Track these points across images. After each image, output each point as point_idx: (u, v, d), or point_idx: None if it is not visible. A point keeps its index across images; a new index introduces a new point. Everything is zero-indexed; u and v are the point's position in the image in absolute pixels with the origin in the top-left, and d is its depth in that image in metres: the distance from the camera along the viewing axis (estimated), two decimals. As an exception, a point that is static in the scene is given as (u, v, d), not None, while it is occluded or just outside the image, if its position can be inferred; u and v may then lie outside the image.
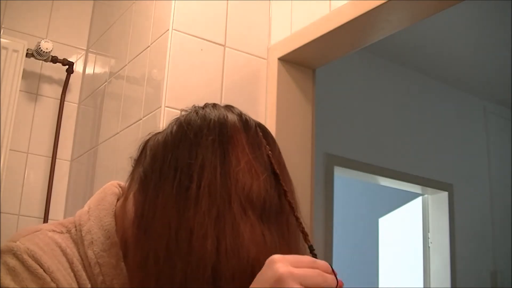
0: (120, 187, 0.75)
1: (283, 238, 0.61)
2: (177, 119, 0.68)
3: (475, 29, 2.97)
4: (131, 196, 0.67)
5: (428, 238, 3.42)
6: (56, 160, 2.02)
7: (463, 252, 3.36)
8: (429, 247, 3.40)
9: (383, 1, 1.31)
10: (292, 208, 0.64)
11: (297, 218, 0.63)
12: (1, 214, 1.83)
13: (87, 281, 0.64)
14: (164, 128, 0.69)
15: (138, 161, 0.69)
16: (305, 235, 0.63)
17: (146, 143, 0.69)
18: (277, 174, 0.65)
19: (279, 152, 0.69)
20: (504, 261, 3.50)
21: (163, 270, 0.58)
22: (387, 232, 3.70)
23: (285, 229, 0.62)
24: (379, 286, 3.56)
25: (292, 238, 0.63)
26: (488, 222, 3.58)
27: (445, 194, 3.42)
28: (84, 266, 0.64)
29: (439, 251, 3.35)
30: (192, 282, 0.57)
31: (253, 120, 0.70)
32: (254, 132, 0.67)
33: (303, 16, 1.60)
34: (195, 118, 0.66)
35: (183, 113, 0.69)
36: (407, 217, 3.54)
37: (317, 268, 0.54)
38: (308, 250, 0.61)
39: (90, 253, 0.65)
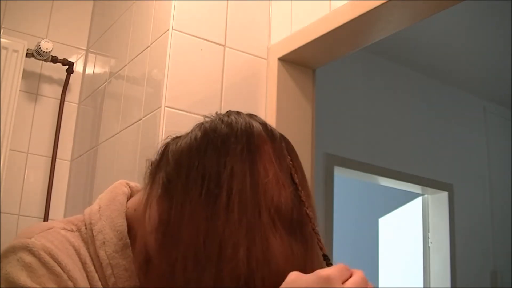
0: (129, 186, 0.74)
1: (307, 250, 0.61)
2: (201, 125, 0.67)
3: (475, 29, 2.97)
4: (154, 201, 0.64)
5: (428, 238, 3.42)
6: (56, 160, 2.02)
7: (463, 252, 3.36)
8: (429, 247, 3.40)
9: (383, 1, 1.31)
10: (312, 221, 0.64)
11: (315, 231, 0.63)
12: (1, 214, 1.83)
13: (99, 283, 0.63)
14: (186, 133, 0.67)
15: (158, 166, 0.67)
16: (321, 245, 0.63)
17: (166, 147, 0.67)
18: (300, 188, 0.64)
19: (301, 166, 0.68)
20: (504, 261, 3.50)
21: (191, 278, 0.57)
22: (387, 232, 3.70)
23: (309, 241, 0.62)
24: (379, 286, 3.56)
25: (315, 250, 0.63)
26: (488, 222, 3.58)
27: (445, 194, 3.43)
28: (95, 267, 0.64)
29: (439, 251, 3.35)
30: None
31: (277, 131, 0.69)
32: (279, 144, 0.66)
33: (303, 16, 1.60)
34: (221, 126, 0.65)
35: (206, 119, 0.68)
36: (407, 217, 3.54)
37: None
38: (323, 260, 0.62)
39: (102, 253, 0.64)
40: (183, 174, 0.62)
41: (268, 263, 0.57)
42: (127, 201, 0.72)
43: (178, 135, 0.68)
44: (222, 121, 0.66)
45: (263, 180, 0.61)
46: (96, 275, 0.63)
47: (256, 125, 0.66)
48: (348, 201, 3.93)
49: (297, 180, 0.64)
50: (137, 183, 0.76)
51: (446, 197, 3.42)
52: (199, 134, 0.65)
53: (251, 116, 0.69)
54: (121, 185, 0.73)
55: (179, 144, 0.66)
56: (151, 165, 0.68)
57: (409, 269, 3.43)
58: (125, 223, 0.67)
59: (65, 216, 2.01)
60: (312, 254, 0.62)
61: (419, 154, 3.35)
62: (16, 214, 1.93)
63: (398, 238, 3.58)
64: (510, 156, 3.74)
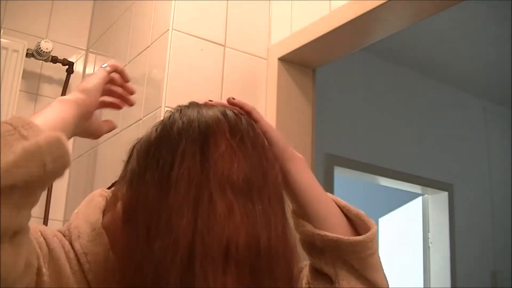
0: (107, 192, 0.78)
1: (264, 215, 0.63)
2: (162, 120, 0.71)
3: (475, 29, 2.97)
4: (120, 198, 0.69)
5: (428, 238, 3.42)
6: (56, 160, 2.02)
7: (463, 252, 3.36)
8: (429, 247, 3.40)
9: (383, 1, 1.31)
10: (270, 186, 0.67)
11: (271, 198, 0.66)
12: (1, 214, 1.83)
13: (78, 272, 0.67)
14: (148, 131, 0.72)
15: (126, 164, 0.72)
16: None
17: (133, 147, 0.72)
18: (258, 155, 0.68)
19: (260, 136, 0.72)
20: (504, 261, 3.50)
21: (143, 252, 0.60)
22: (387, 232, 3.70)
23: (268, 206, 0.65)
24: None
25: (274, 215, 0.65)
26: (488, 222, 3.58)
27: (445, 194, 3.43)
28: (76, 259, 0.68)
29: (439, 251, 3.36)
30: (169, 263, 0.59)
31: (233, 112, 0.72)
32: (234, 120, 0.69)
33: (303, 16, 1.60)
34: (178, 118, 0.69)
35: (167, 114, 0.72)
36: (407, 217, 3.54)
37: None
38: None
39: (77, 245, 0.68)
40: (142, 162, 0.67)
41: (213, 230, 0.59)
42: (106, 202, 0.76)
43: (144, 135, 0.73)
44: (180, 112, 0.70)
45: (214, 154, 0.64)
46: (76, 263, 0.67)
47: (215, 112, 0.69)
48: (348, 201, 3.90)
49: (254, 149, 0.68)
50: None
51: (446, 197, 3.42)
52: (159, 128, 0.69)
53: (210, 106, 0.72)
54: (99, 190, 0.78)
55: (142, 140, 0.71)
56: (123, 165, 0.73)
57: (409, 269, 3.43)
58: (98, 215, 0.72)
59: (65, 216, 2.01)
60: (270, 219, 0.64)
61: (419, 154, 3.35)
62: (16, 214, 1.92)
63: (398, 238, 3.58)
64: (510, 156, 3.74)
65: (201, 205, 0.61)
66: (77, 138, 2.06)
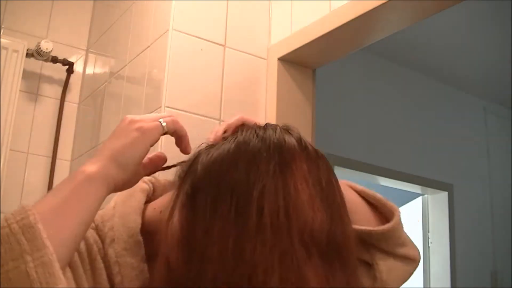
0: (151, 182, 0.72)
1: (345, 278, 0.58)
2: (235, 137, 0.64)
3: (475, 29, 2.97)
4: (177, 210, 0.61)
5: (428, 238, 3.42)
6: (56, 160, 2.02)
7: (463, 252, 3.36)
8: (429, 247, 3.40)
9: (383, 1, 1.31)
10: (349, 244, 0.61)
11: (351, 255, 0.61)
12: (1, 214, 1.83)
13: (106, 281, 0.63)
14: (220, 143, 0.65)
15: (187, 173, 0.63)
16: None
17: (198, 155, 0.65)
18: (338, 207, 0.61)
19: (338, 186, 0.64)
20: (504, 261, 3.50)
21: None
22: (387, 232, 3.69)
23: (348, 267, 0.59)
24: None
25: (353, 276, 0.61)
26: (488, 222, 3.58)
27: (445, 194, 3.43)
28: (105, 265, 0.63)
29: (439, 251, 3.36)
30: None
31: (312, 146, 0.66)
32: (315, 161, 0.63)
33: (303, 16, 1.60)
34: (254, 139, 0.62)
35: (241, 132, 0.66)
36: (407, 217, 3.54)
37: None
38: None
39: (110, 251, 0.63)
40: (212, 187, 0.59)
41: None
42: (148, 196, 0.70)
43: (212, 144, 0.66)
44: (256, 134, 0.63)
45: (296, 201, 0.57)
46: (104, 273, 0.62)
47: (289, 140, 0.63)
48: (348, 201, 3.92)
49: (335, 201, 0.61)
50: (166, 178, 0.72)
51: (446, 197, 3.42)
52: (232, 146, 0.62)
53: (287, 130, 0.66)
54: (140, 181, 0.70)
55: (210, 154, 0.63)
56: (182, 170, 0.65)
57: (409, 269, 3.42)
58: (138, 220, 0.66)
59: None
60: (351, 281, 0.59)
61: (419, 154, 3.35)
62: (16, 214, 1.92)
63: (398, 238, 3.58)
64: (510, 156, 3.74)
65: (289, 264, 0.54)
66: (77, 136, 2.07)
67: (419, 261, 0.83)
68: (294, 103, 1.65)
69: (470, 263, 3.38)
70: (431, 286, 3.31)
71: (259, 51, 1.69)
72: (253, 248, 0.54)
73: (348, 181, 0.82)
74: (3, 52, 1.88)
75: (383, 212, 0.80)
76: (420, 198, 3.50)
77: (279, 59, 1.65)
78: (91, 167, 0.59)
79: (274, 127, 0.66)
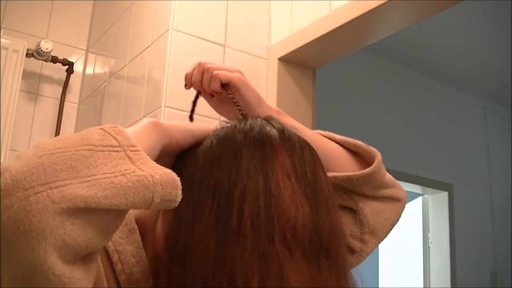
0: None
1: (334, 275, 0.57)
2: (217, 132, 0.62)
3: (475, 29, 2.97)
4: (161, 212, 0.61)
5: (428, 238, 3.41)
6: (56, 160, 2.02)
7: (463, 252, 3.35)
8: (429, 247, 3.40)
9: (383, 1, 1.31)
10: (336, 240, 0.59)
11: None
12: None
13: (105, 271, 0.61)
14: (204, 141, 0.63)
15: (176, 169, 0.64)
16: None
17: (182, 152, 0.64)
18: (325, 200, 0.59)
19: (326, 178, 0.63)
20: (504, 261, 3.50)
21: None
22: (387, 232, 3.69)
23: (337, 264, 0.58)
24: (379, 286, 3.56)
25: (344, 273, 0.59)
26: (488, 222, 3.58)
27: (445, 194, 3.42)
28: (101, 255, 0.61)
29: (439, 251, 3.35)
30: None
31: (296, 136, 0.63)
32: (299, 153, 0.61)
33: (303, 16, 1.60)
34: (235, 133, 0.61)
35: (222, 124, 0.64)
36: (407, 217, 3.54)
37: None
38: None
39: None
40: (194, 188, 0.57)
41: None
42: None
43: (199, 142, 0.64)
44: (237, 128, 0.62)
45: (277, 200, 0.55)
46: (101, 265, 0.61)
47: (271, 132, 0.61)
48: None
49: (321, 193, 0.59)
50: None
51: (446, 197, 3.42)
52: (214, 142, 0.61)
53: (268, 120, 0.64)
54: None
55: (192, 152, 0.62)
56: None
57: (409, 269, 3.43)
58: (131, 211, 0.64)
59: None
60: (340, 279, 0.58)
61: (419, 154, 3.35)
62: (16, 214, 1.92)
63: (398, 238, 3.58)
64: (510, 156, 3.74)
65: (269, 265, 0.53)
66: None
67: (405, 201, 0.85)
68: (294, 103, 1.65)
69: (470, 263, 3.38)
70: (431, 286, 3.31)
71: (259, 51, 1.69)
72: (234, 251, 0.53)
73: (323, 131, 0.83)
74: (3, 52, 1.88)
75: (365, 157, 0.81)
76: (420, 198, 3.50)
77: (279, 59, 1.65)
78: (159, 121, 0.61)
79: (255, 118, 0.64)
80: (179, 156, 0.64)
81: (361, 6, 1.37)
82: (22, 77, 1.92)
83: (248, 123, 0.62)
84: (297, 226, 0.55)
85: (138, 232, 0.64)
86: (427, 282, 3.33)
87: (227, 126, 0.63)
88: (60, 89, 2.08)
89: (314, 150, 0.64)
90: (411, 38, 2.98)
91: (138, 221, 0.66)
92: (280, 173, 0.57)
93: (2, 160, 1.79)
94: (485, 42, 3.06)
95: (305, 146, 0.63)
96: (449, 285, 3.25)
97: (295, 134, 0.64)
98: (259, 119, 0.64)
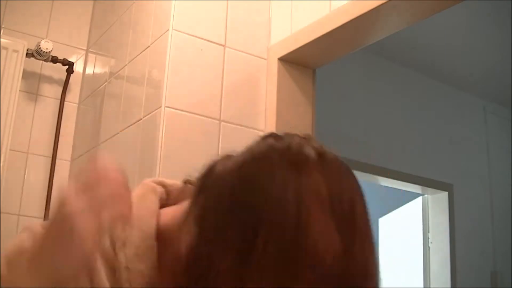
0: (162, 185, 0.67)
1: None
2: (251, 148, 0.58)
3: (475, 29, 2.97)
4: (187, 226, 0.57)
5: (428, 238, 3.41)
6: (56, 160, 2.02)
7: (463, 252, 3.35)
8: (429, 247, 3.40)
9: (383, 1, 1.31)
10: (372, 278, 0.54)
11: None
12: (1, 214, 1.83)
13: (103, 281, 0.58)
14: (238, 153, 0.58)
15: (201, 186, 0.58)
16: None
17: (214, 165, 0.59)
18: (360, 235, 0.54)
19: (362, 204, 0.57)
20: (504, 261, 3.50)
21: None
22: (387, 232, 3.69)
23: None
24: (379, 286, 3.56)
25: None
26: (488, 222, 3.58)
27: (445, 194, 3.42)
28: (109, 265, 0.59)
29: (439, 251, 3.35)
30: None
31: (335, 158, 0.59)
32: (336, 178, 0.56)
33: (303, 16, 1.60)
34: (271, 153, 0.56)
35: (259, 139, 0.59)
36: (407, 217, 3.53)
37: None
38: None
39: (121, 255, 0.59)
40: (221, 210, 0.53)
41: None
42: (161, 200, 0.65)
43: (230, 154, 0.59)
44: (273, 147, 0.57)
45: (307, 233, 0.50)
46: (102, 272, 0.58)
47: (309, 154, 0.56)
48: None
49: (355, 227, 0.53)
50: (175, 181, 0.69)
51: (446, 197, 3.41)
52: (248, 159, 0.56)
53: (305, 139, 0.59)
54: (149, 184, 0.66)
55: (226, 167, 0.57)
56: (198, 180, 0.59)
57: (409, 269, 3.43)
58: (153, 224, 0.61)
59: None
60: None
61: (419, 154, 3.35)
62: (16, 214, 1.93)
63: (398, 238, 3.58)
64: (510, 156, 3.73)
65: None
66: (77, 136, 2.07)
67: None
68: (294, 103, 1.65)
69: (470, 263, 3.38)
70: (431, 286, 3.31)
71: (259, 51, 1.69)
72: (254, 284, 0.49)
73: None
74: (3, 52, 1.88)
75: None
76: (420, 198, 3.50)
77: (279, 59, 1.65)
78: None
79: (291, 137, 0.59)
80: (215, 162, 0.60)
81: (361, 6, 1.37)
82: (22, 77, 1.92)
83: (284, 141, 0.58)
84: (324, 265, 0.49)
85: (156, 250, 0.60)
86: (427, 282, 3.33)
87: (263, 141, 0.58)
88: (60, 89, 2.08)
89: (356, 177, 0.59)
90: (411, 38, 2.98)
91: (163, 232, 0.62)
92: (314, 203, 0.52)
93: (2, 160, 1.79)
94: (485, 42, 3.05)
95: (344, 171, 0.58)
96: (449, 285, 3.25)
97: (334, 156, 0.59)
98: (296, 138, 0.59)
